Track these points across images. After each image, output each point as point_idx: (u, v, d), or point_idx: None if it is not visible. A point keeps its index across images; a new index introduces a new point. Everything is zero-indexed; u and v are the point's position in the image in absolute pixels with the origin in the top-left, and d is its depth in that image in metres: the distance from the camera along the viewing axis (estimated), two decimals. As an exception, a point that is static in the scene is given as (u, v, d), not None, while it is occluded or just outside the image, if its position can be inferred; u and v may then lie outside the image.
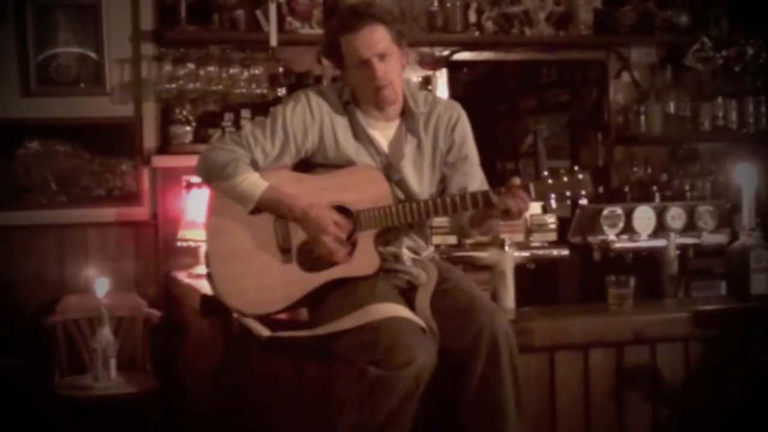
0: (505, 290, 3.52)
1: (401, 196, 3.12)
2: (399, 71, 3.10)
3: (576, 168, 3.06)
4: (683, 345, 3.42)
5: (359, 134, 3.11)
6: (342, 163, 3.10)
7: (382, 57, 3.02)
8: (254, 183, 3.04)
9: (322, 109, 3.11)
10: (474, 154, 3.24)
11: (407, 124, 3.15)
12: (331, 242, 3.01)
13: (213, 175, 3.06)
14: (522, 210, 2.99)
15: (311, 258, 3.05)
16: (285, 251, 3.08)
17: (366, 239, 3.04)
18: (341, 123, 3.11)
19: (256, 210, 3.06)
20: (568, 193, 3.05)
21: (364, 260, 3.04)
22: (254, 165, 3.05)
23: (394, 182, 3.10)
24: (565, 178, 3.03)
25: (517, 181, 2.98)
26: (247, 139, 3.07)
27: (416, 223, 3.15)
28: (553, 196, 3.04)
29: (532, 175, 6.93)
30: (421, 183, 3.16)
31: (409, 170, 3.14)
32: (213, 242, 3.15)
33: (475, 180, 3.20)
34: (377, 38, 3.02)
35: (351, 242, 3.04)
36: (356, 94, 3.13)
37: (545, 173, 3.03)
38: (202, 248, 4.47)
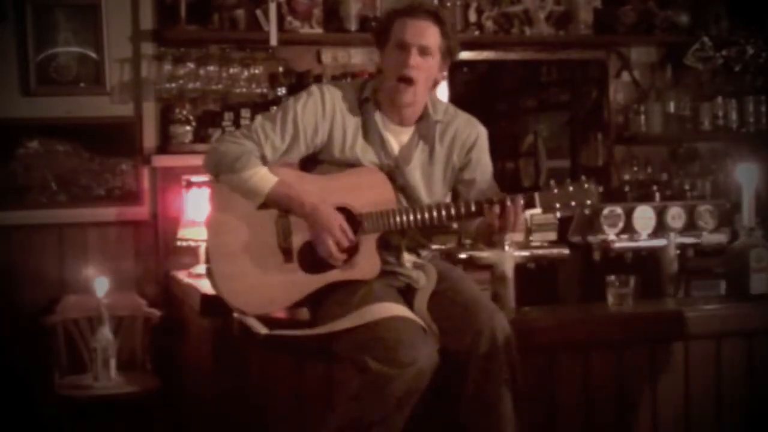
0: (505, 290, 3.52)
1: (404, 201, 3.11)
2: (429, 78, 3.08)
3: (583, 178, 3.07)
4: (683, 345, 3.42)
5: (370, 134, 3.09)
6: (347, 163, 3.09)
7: (422, 51, 3.02)
8: (264, 177, 3.02)
9: (335, 105, 3.09)
10: (489, 172, 3.24)
11: (422, 131, 3.14)
12: (332, 246, 3.00)
13: (223, 167, 3.03)
14: (509, 226, 3.00)
15: (312, 259, 3.05)
16: (286, 251, 3.07)
17: (369, 243, 3.03)
18: (352, 122, 3.10)
19: (265, 205, 3.05)
20: (573, 203, 3.06)
21: (366, 264, 3.03)
22: (263, 160, 3.04)
23: (398, 187, 3.09)
24: (571, 188, 3.05)
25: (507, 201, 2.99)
26: (257, 133, 3.05)
27: (419, 229, 3.15)
28: (558, 206, 3.06)
29: (532, 174, 6.95)
30: (429, 190, 3.15)
31: (416, 176, 3.13)
32: (214, 240, 3.13)
33: (488, 195, 3.14)
34: (428, 33, 3.03)
35: (353, 247, 3.03)
36: (379, 89, 3.11)
37: (551, 183, 3.04)
38: (202, 247, 4.47)
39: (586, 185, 3.06)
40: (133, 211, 5.00)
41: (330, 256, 3.01)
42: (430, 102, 3.16)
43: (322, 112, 3.08)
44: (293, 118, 3.06)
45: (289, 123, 3.06)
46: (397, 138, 3.14)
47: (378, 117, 3.11)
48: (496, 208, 2.97)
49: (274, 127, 3.06)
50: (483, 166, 3.22)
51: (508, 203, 2.99)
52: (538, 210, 3.11)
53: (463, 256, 3.66)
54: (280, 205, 3.05)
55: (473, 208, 3.02)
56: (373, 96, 3.12)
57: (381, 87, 3.12)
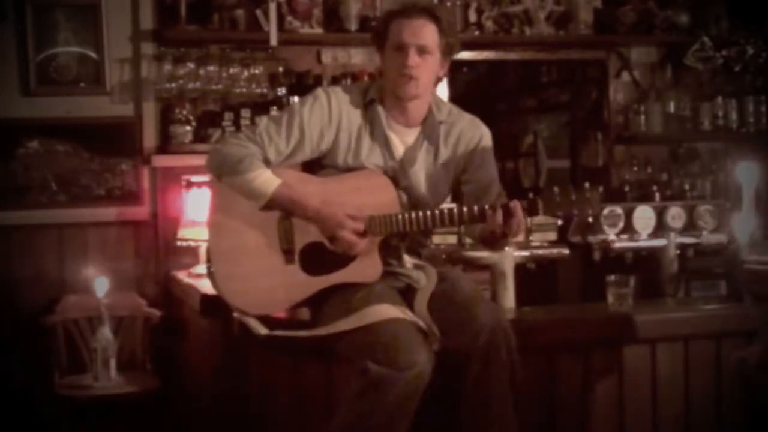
0: (505, 290, 3.53)
1: (407, 201, 3.10)
2: (430, 75, 3.08)
3: (586, 185, 3.06)
4: (683, 345, 3.42)
5: (376, 134, 3.09)
6: (351, 167, 3.09)
7: (420, 50, 3.02)
8: (267, 180, 3.01)
9: (342, 109, 3.09)
10: (494, 173, 3.22)
11: (427, 132, 3.14)
12: (350, 235, 2.99)
13: (226, 169, 3.03)
14: (512, 232, 2.98)
15: (314, 261, 3.05)
16: (288, 253, 3.07)
17: (370, 246, 3.04)
18: (358, 124, 3.09)
19: (267, 207, 3.05)
20: (575, 212, 3.05)
21: (367, 267, 3.03)
22: (266, 163, 3.03)
23: (401, 188, 3.09)
24: (574, 197, 3.03)
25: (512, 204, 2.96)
26: (261, 136, 3.04)
27: (421, 232, 3.14)
28: (560, 213, 3.06)
29: (532, 174, 6.95)
30: (432, 191, 3.14)
31: (420, 177, 3.13)
32: (215, 240, 3.13)
33: (492, 196, 3.14)
34: (425, 32, 3.03)
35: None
36: (384, 88, 3.11)
37: (555, 190, 3.03)
38: (202, 247, 4.48)
39: (588, 194, 3.05)
40: (133, 211, 4.99)
41: (351, 247, 3.00)
42: (434, 103, 3.16)
43: (329, 118, 3.07)
44: (299, 123, 3.05)
45: (295, 127, 3.05)
46: (402, 139, 3.14)
47: (383, 118, 3.11)
48: (499, 214, 2.96)
49: (279, 130, 3.05)
50: (487, 167, 3.20)
51: (512, 209, 2.97)
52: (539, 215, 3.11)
53: (463, 255, 3.66)
54: (283, 208, 3.05)
55: (476, 213, 3.00)
56: (378, 97, 3.12)
57: (384, 88, 3.12)
